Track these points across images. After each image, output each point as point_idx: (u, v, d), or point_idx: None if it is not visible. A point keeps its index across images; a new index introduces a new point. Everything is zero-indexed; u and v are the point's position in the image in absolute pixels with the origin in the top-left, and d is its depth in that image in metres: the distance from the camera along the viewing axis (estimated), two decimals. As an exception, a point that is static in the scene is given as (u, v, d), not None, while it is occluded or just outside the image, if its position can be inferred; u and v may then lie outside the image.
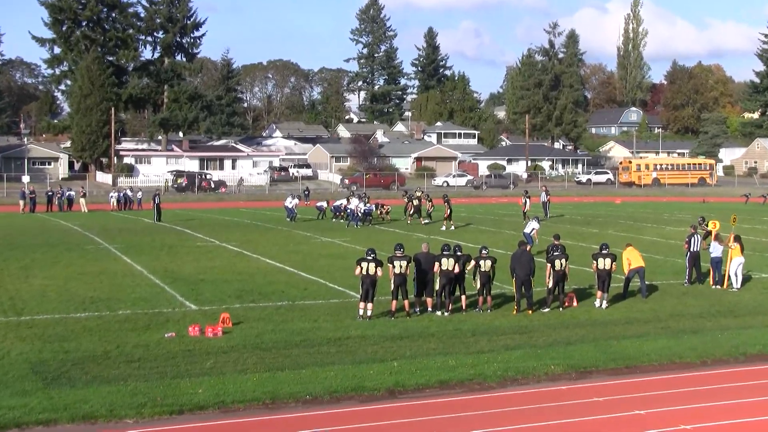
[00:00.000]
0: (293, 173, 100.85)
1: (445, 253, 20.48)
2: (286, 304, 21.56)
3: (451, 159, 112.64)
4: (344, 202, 47.66)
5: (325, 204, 49.87)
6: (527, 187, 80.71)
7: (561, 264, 21.25)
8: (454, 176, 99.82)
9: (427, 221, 45.53)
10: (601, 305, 21.59)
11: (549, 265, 21.33)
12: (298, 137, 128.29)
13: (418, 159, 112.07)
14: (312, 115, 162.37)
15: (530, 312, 20.75)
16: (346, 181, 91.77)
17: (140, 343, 17.18)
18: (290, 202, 47.82)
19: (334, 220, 47.65)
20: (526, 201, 46.58)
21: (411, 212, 45.96)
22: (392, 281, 20.06)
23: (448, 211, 42.31)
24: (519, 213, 49.19)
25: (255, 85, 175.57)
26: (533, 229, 32.85)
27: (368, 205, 45.55)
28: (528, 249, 22.17)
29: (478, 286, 20.92)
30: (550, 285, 21.26)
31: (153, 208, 48.82)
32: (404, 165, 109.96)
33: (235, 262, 29.74)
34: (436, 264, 20.34)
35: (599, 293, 21.74)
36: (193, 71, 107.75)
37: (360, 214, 44.06)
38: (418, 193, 49.11)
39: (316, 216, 49.20)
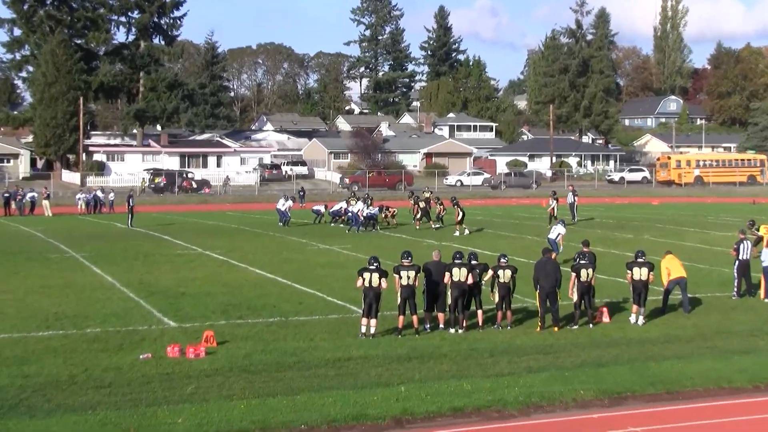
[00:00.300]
0: (286, 171, 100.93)
1: (456, 261, 20.41)
2: (278, 321, 21.52)
3: (466, 155, 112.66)
4: (343, 205, 47.64)
5: (322, 208, 49.90)
6: (553, 186, 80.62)
7: (587, 274, 21.17)
8: (468, 174, 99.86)
9: (438, 225, 45.48)
10: (636, 321, 21.50)
11: (574, 274, 21.26)
12: (291, 131, 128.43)
13: (428, 155, 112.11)
14: (308, 106, 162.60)
15: (556, 329, 20.68)
16: (347, 181, 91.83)
17: (111, 365, 17.13)
18: (283, 205, 47.86)
19: (332, 224, 47.69)
20: (553, 203, 46.41)
21: (418, 216, 45.90)
22: (399, 294, 20.00)
23: (460, 214, 42.25)
24: (543, 216, 49.11)
25: (243, 72, 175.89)
26: (559, 234, 32.81)
27: (371, 208, 45.47)
28: (553, 257, 22.08)
29: (497, 299, 20.85)
30: (575, 298, 21.18)
31: (127, 211, 48.86)
32: (412, 162, 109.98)
33: (220, 273, 29.74)
34: (447, 274, 20.27)
35: (635, 307, 21.65)
36: (173, 56, 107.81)
37: (363, 218, 44.02)
38: (426, 194, 48.99)
39: (313, 220, 49.23)
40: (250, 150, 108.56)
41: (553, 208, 46.00)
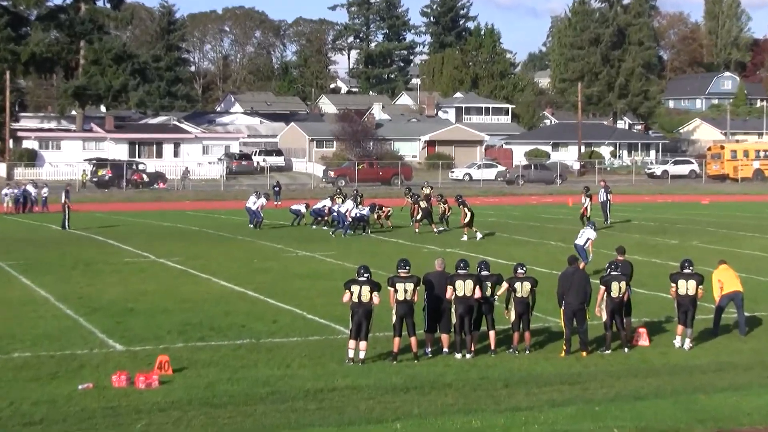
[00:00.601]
0: (258, 163, 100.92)
1: (460, 272, 20.39)
2: (248, 343, 21.52)
3: (476, 143, 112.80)
4: (327, 203, 47.61)
5: (302, 207, 49.83)
6: (582, 181, 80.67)
7: (620, 288, 21.14)
8: (479, 167, 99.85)
9: (442, 229, 45.48)
10: (682, 345, 21.52)
11: (603, 288, 21.23)
12: (265, 113, 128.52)
13: (430, 143, 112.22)
14: (284, 84, 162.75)
15: (584, 354, 20.70)
16: (331, 174, 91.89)
17: (43, 398, 17.07)
18: (254, 203, 47.86)
19: (314, 226, 47.65)
20: (586, 201, 46.42)
21: (418, 217, 45.87)
22: (394, 311, 19.99)
23: (468, 215, 42.16)
24: (568, 217, 49.13)
25: (206, 43, 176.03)
26: (588, 239, 32.80)
27: (362, 207, 45.43)
28: (582, 267, 22.07)
29: (513, 317, 20.85)
30: (604, 317, 21.16)
31: (63, 209, 48.77)
32: (411, 151, 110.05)
33: (177, 285, 29.74)
34: (449, 288, 20.26)
35: (680, 328, 21.66)
36: (121, 22, 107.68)
37: (351, 219, 43.97)
38: (426, 190, 48.89)
39: (291, 222, 49.20)
40: (214, 136, 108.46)
41: (586, 208, 46.02)
